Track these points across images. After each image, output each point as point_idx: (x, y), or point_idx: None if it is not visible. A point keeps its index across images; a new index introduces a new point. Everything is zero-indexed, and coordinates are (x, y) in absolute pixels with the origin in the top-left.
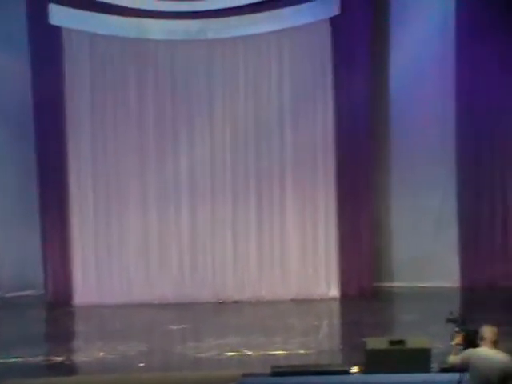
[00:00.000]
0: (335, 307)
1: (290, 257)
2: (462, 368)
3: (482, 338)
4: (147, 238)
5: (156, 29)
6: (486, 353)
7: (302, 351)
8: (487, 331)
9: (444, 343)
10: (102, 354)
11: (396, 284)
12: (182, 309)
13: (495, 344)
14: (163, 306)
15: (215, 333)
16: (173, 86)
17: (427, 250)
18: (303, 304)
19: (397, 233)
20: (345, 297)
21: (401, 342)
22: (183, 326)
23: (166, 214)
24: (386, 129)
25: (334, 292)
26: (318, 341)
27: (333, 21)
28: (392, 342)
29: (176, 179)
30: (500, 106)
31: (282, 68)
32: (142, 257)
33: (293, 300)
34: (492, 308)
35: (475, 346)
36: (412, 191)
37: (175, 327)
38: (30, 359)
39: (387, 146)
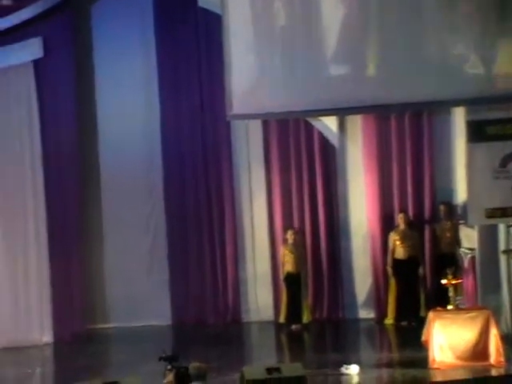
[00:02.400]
0: (48, 353)
1: (1, 303)
2: None
3: (190, 375)
4: None
5: None
6: None
7: None
8: (193, 368)
9: (157, 382)
10: None
11: (110, 325)
12: None
13: (202, 379)
14: None
15: None
16: None
17: (139, 290)
18: (16, 352)
19: (109, 274)
20: (58, 342)
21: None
22: None
23: None
24: (96, 174)
25: (48, 337)
26: None
27: (36, 64)
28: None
29: None
30: (202, 147)
31: None
32: None
33: (4, 348)
34: (202, 344)
35: (187, 382)
36: (124, 232)
37: None
38: None
39: (98, 191)
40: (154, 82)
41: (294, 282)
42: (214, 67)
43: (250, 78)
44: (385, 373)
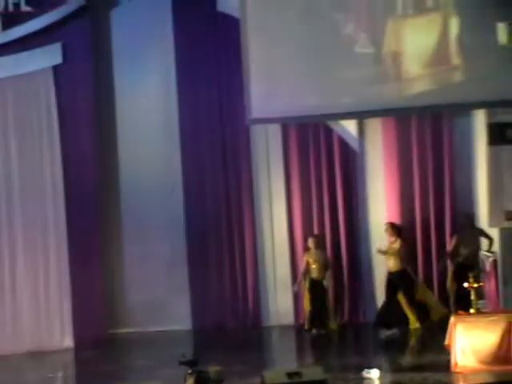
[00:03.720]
0: (70, 358)
1: (22, 309)
2: None
3: (209, 379)
4: None
5: None
6: None
7: None
8: (212, 371)
9: None
10: None
11: (130, 330)
12: None
13: (220, 383)
14: None
15: None
16: None
17: (159, 295)
18: (37, 356)
19: (129, 279)
20: (80, 346)
21: None
22: None
23: None
24: (115, 179)
25: (69, 342)
26: None
27: (56, 69)
28: None
29: None
30: (221, 151)
31: (7, 118)
32: None
33: (27, 353)
34: (222, 348)
35: None
36: (143, 237)
37: None
38: None
39: (117, 195)
40: (173, 86)
41: (319, 289)
42: (233, 71)
43: (269, 81)
44: (406, 377)
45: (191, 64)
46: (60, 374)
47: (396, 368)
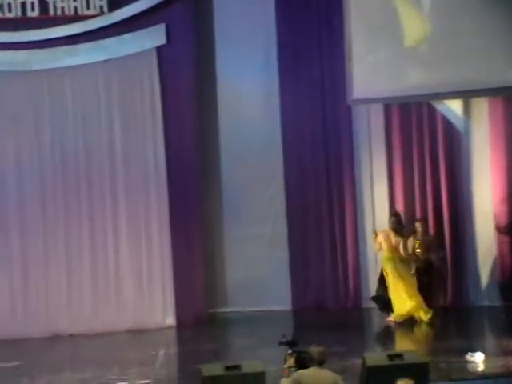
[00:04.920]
0: (171, 335)
1: (125, 287)
2: None
3: (311, 359)
4: None
5: None
6: (315, 373)
7: (139, 382)
8: (314, 352)
9: (278, 366)
10: None
11: (230, 309)
12: (14, 345)
13: (322, 364)
14: None
15: (50, 369)
16: None
17: (259, 275)
18: (140, 334)
19: (230, 259)
20: (181, 325)
21: (236, 366)
22: (16, 362)
23: None
24: (217, 159)
25: (170, 320)
26: (155, 370)
27: (159, 50)
28: (227, 368)
29: (5, 215)
30: (322, 131)
31: (111, 99)
32: None
33: (129, 330)
34: (322, 329)
35: (307, 367)
36: (244, 218)
37: (7, 364)
38: None
39: (219, 176)
40: (274, 67)
41: (426, 273)
42: (335, 51)
43: (371, 61)
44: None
45: (293, 44)
46: (162, 352)
47: (502, 351)
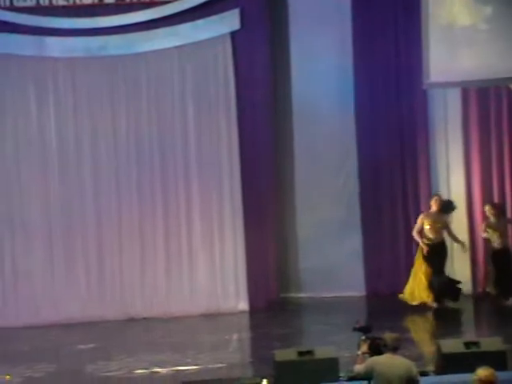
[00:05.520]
0: (244, 320)
1: (199, 272)
2: (367, 376)
3: (385, 345)
4: (52, 257)
5: (55, 46)
6: (388, 360)
7: (212, 366)
8: (388, 338)
9: (351, 352)
10: (7, 377)
11: (303, 295)
12: (91, 328)
13: (396, 350)
14: (70, 326)
15: (125, 351)
16: (74, 104)
17: (332, 261)
18: (213, 318)
19: (303, 245)
20: (253, 309)
21: (309, 352)
22: (92, 345)
23: (71, 231)
24: (289, 144)
25: (243, 305)
26: (228, 355)
27: (233, 35)
28: (300, 353)
29: (81, 198)
30: (397, 116)
31: (185, 84)
32: (47, 276)
33: (202, 315)
34: (397, 315)
35: (381, 353)
36: (317, 202)
37: (84, 346)
38: None
39: (291, 161)
40: (349, 50)
41: (501, 259)
42: (411, 33)
43: (448, 44)
44: None
45: (368, 27)
46: (235, 337)
47: None
